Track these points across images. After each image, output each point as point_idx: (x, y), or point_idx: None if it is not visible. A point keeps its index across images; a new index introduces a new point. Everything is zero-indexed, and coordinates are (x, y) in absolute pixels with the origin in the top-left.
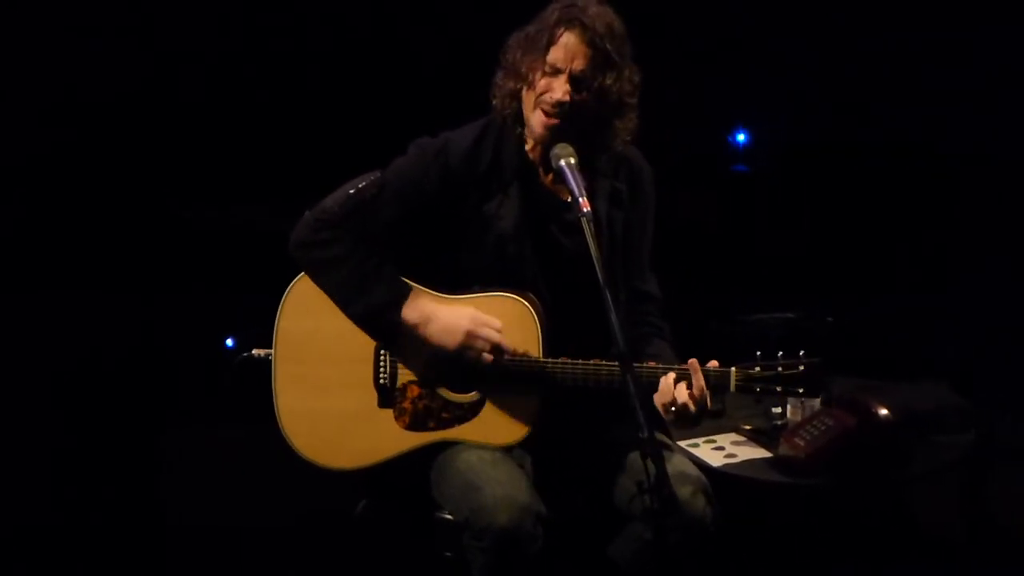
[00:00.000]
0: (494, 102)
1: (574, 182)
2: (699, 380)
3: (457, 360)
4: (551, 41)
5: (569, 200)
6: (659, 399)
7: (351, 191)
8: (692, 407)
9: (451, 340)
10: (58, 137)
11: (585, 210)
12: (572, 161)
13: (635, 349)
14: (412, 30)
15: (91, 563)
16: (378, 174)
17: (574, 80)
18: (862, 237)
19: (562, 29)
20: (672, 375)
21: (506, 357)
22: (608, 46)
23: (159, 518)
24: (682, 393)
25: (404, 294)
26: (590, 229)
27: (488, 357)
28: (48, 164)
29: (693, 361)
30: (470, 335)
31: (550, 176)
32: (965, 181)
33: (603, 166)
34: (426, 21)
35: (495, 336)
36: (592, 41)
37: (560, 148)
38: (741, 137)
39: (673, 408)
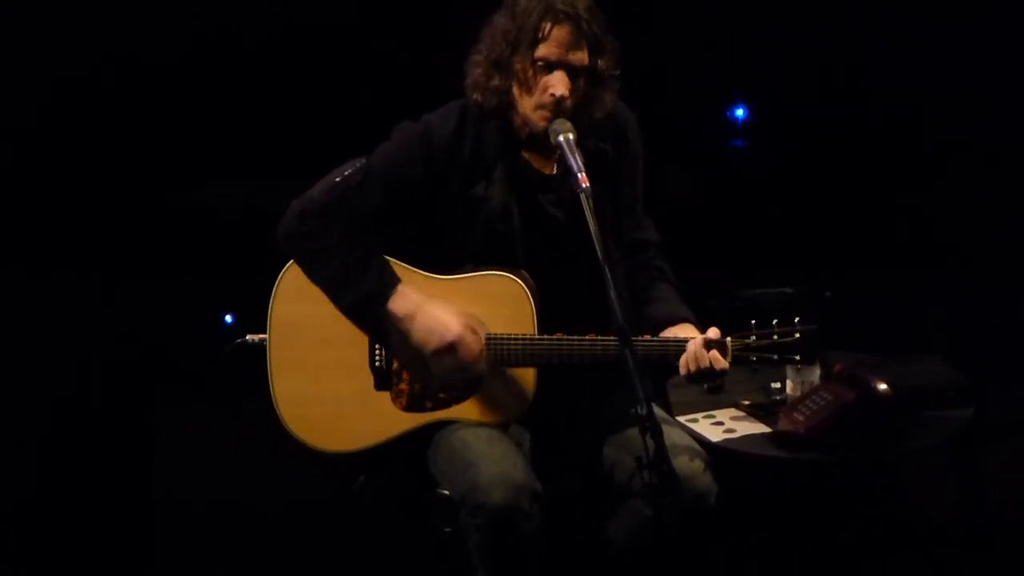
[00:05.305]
0: (475, 96)
1: (572, 158)
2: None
3: (433, 359)
4: (540, 37)
5: (553, 173)
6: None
7: (336, 179)
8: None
9: (433, 340)
10: (45, 124)
11: (584, 186)
12: (571, 136)
13: (639, 298)
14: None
15: (84, 542)
16: (363, 161)
17: (572, 72)
18: (860, 212)
19: (549, 24)
20: (701, 340)
21: (485, 359)
22: (595, 29)
23: (152, 498)
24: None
25: (391, 286)
26: (589, 205)
27: (458, 369)
28: (36, 151)
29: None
30: (454, 342)
31: (534, 153)
32: (962, 156)
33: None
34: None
35: (473, 352)
36: (581, 30)
37: (559, 124)
38: (740, 112)
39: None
